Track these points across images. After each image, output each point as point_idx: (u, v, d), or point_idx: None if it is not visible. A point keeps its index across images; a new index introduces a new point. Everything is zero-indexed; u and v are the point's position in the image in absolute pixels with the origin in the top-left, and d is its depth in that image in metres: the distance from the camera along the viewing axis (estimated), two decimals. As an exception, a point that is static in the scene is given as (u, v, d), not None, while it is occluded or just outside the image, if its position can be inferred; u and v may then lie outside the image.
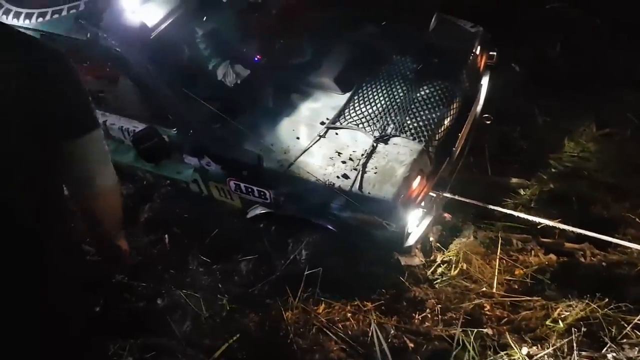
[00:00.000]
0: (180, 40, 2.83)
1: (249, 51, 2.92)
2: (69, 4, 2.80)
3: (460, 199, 2.66)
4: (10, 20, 2.89)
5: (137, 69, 2.64)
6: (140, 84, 2.69)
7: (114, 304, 2.78)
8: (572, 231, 2.72)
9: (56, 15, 2.80)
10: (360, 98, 2.78)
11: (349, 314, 2.65)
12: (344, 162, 2.54)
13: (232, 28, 2.89)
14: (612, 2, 3.94)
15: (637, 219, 3.06)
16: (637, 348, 2.40)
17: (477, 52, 3.08)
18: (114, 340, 2.61)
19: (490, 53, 3.18)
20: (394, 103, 2.74)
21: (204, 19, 2.89)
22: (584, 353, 2.38)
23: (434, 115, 2.70)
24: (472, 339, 2.48)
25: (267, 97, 2.81)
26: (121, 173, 3.20)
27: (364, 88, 2.82)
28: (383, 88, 2.81)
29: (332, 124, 2.69)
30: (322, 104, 2.80)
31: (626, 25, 3.91)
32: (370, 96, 2.78)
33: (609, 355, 2.37)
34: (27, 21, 2.85)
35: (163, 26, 2.71)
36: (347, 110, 2.74)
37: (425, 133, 2.63)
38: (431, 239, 2.89)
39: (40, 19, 2.82)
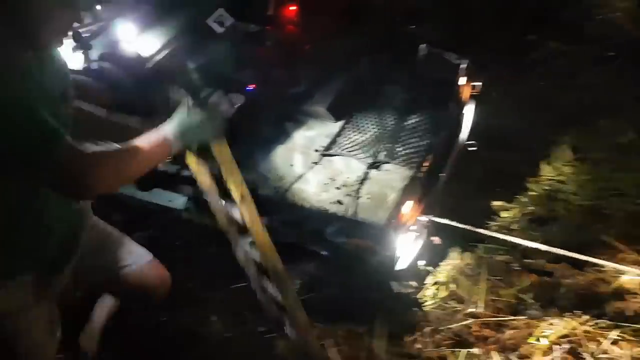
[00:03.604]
0: (174, 69, 2.89)
1: (243, 80, 3.00)
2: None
3: (447, 222, 2.78)
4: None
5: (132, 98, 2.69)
6: (135, 112, 2.74)
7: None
8: (552, 252, 2.88)
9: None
10: (353, 126, 2.90)
11: (341, 340, 2.72)
12: (338, 189, 2.63)
13: (228, 58, 2.98)
14: (586, 34, 4.19)
15: (610, 240, 3.23)
16: (614, 362, 2.53)
17: (462, 83, 3.24)
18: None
19: (474, 83, 3.35)
20: (384, 131, 2.87)
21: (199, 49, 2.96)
22: (566, 369, 2.50)
23: (423, 143, 2.83)
24: (461, 360, 2.57)
25: (262, 126, 2.89)
26: (110, 202, 3.27)
27: (356, 116, 2.95)
28: (374, 117, 2.94)
29: (326, 151, 2.79)
30: (317, 132, 2.90)
31: (600, 56, 4.15)
32: (363, 124, 2.90)
33: (590, 371, 2.49)
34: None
35: (158, 57, 2.78)
36: (340, 138, 2.84)
37: (415, 160, 2.75)
38: (421, 262, 2.99)
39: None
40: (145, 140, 1.43)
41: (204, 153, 1.69)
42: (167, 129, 1.48)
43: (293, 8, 3.14)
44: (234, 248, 2.07)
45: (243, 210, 1.74)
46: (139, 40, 2.74)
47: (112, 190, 1.37)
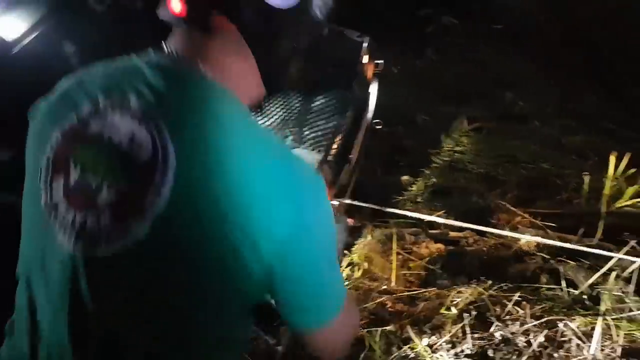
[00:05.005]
0: (50, 57, 2.57)
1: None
2: None
3: (358, 203, 2.78)
4: None
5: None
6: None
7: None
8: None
9: None
10: (258, 110, 2.75)
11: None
12: (246, 177, 2.51)
13: (113, 39, 2.69)
14: (476, 8, 4.35)
15: (507, 205, 3.43)
16: (517, 322, 2.69)
17: (365, 61, 3.20)
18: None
19: (377, 61, 3.32)
20: (291, 114, 2.76)
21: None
22: (476, 335, 2.62)
23: (330, 125, 2.76)
24: (377, 339, 2.61)
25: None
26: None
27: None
28: (279, 100, 2.81)
29: (231, 138, 2.63)
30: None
31: (490, 30, 4.33)
32: (266, 108, 2.77)
33: (497, 334, 2.63)
34: None
35: (26, 41, 2.43)
36: (244, 124, 2.70)
37: (324, 143, 2.69)
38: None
39: None
40: None
41: None
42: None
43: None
44: None
45: None
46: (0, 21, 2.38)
47: None
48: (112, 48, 2.74)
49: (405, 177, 3.57)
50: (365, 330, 2.61)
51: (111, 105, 0.88)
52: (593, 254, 2.81)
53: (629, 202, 3.29)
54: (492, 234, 3.23)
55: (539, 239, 2.87)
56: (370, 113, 3.35)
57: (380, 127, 3.31)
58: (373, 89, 3.40)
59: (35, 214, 0.92)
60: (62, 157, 0.88)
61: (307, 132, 2.69)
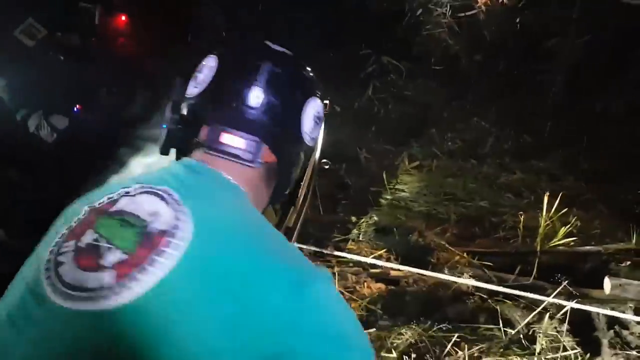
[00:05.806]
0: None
1: (67, 100, 2.63)
2: None
3: (301, 246, 2.74)
4: None
5: None
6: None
7: None
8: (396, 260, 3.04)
9: None
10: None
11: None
12: (185, 221, 2.42)
13: (45, 75, 2.58)
14: (414, 49, 4.48)
15: (445, 243, 3.49)
16: (457, 363, 2.72)
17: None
18: None
19: (324, 102, 3.34)
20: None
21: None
22: (415, 380, 2.61)
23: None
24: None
25: (92, 153, 2.56)
26: None
27: (200, 141, 2.75)
28: (221, 140, 2.77)
29: (168, 180, 2.55)
30: (156, 159, 2.63)
31: (427, 69, 4.47)
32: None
33: (436, 378, 2.64)
34: None
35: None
36: (183, 165, 2.63)
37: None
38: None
39: None
40: None
41: None
42: None
43: (123, 18, 2.80)
44: None
45: None
46: None
47: None
48: (46, 83, 2.65)
49: (348, 216, 3.57)
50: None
51: (141, 188, 0.92)
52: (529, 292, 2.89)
53: (562, 242, 3.42)
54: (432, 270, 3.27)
55: (476, 283, 2.92)
56: (317, 154, 3.34)
57: (328, 166, 3.30)
58: (320, 130, 3.39)
59: (30, 272, 0.88)
60: (83, 226, 0.88)
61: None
